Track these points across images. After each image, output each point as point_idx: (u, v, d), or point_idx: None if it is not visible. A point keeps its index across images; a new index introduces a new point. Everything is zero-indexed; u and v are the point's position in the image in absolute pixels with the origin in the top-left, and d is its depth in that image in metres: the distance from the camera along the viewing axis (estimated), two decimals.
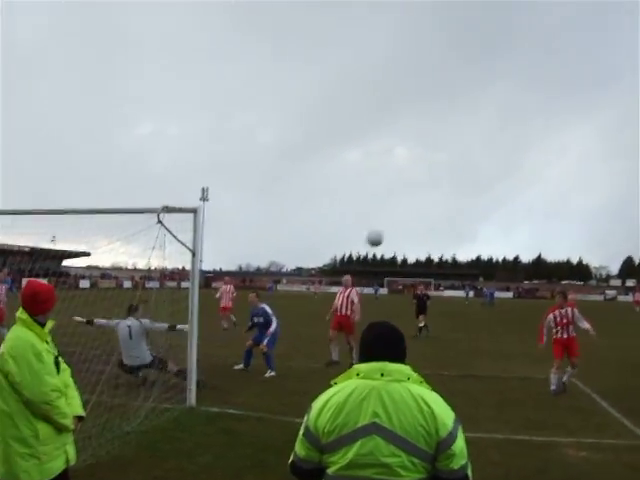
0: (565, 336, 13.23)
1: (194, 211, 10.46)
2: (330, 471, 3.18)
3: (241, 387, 12.54)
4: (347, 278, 17.29)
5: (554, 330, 13.33)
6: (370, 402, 3.12)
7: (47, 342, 4.83)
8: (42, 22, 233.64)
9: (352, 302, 16.31)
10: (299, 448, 3.32)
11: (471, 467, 3.14)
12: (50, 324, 4.97)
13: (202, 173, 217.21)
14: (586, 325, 13.39)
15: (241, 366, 14.83)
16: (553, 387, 12.93)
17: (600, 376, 15.14)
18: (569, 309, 13.46)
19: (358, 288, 17.93)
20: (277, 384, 13.10)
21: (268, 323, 14.78)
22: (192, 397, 10.51)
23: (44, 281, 5.25)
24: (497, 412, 10.96)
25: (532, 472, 7.64)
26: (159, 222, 9.30)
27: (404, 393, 3.10)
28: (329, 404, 3.21)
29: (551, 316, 13.40)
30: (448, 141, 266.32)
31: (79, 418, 4.95)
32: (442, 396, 3.20)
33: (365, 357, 3.30)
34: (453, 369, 15.90)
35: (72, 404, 4.86)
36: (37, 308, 4.81)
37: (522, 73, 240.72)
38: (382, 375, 3.17)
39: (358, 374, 3.24)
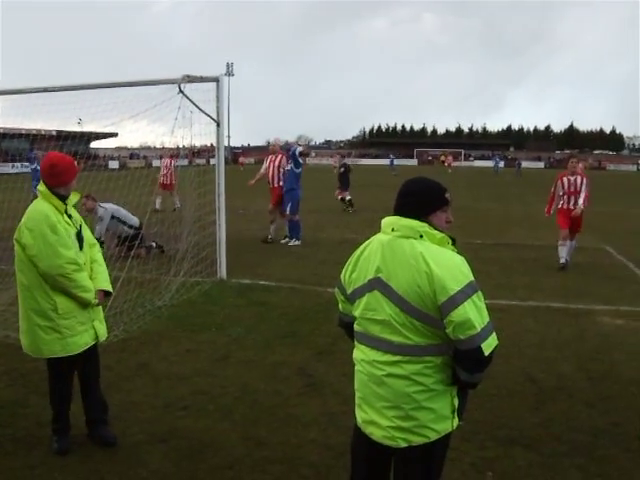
0: (572, 207, 12.19)
1: (216, 80, 10.02)
2: (354, 326, 3.18)
3: (272, 259, 12.54)
4: (273, 144, 15.75)
5: (561, 199, 12.41)
6: (377, 257, 3.00)
7: (68, 215, 4.69)
8: None
9: (284, 171, 14.93)
10: (338, 301, 3.36)
11: (494, 344, 2.82)
12: (75, 197, 4.83)
13: (225, 49, 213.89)
14: (581, 198, 12.19)
15: (287, 239, 14.57)
16: (562, 260, 12.05)
17: (635, 245, 14.85)
18: (579, 177, 12.41)
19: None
20: (308, 255, 13.05)
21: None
22: (222, 270, 10.51)
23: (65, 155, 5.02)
24: (531, 280, 10.83)
25: (568, 339, 7.53)
26: (180, 92, 8.91)
27: (408, 250, 2.89)
28: (352, 258, 3.21)
29: (559, 183, 12.46)
30: (477, 5, 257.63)
31: (106, 293, 4.88)
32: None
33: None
34: (485, 237, 15.74)
35: (97, 279, 4.78)
36: (55, 180, 4.65)
37: None
38: (392, 230, 2.99)
39: (381, 229, 3.11)
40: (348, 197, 22.07)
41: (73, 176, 4.75)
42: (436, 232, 2.95)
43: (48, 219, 4.51)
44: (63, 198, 4.67)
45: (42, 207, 4.61)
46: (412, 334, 2.87)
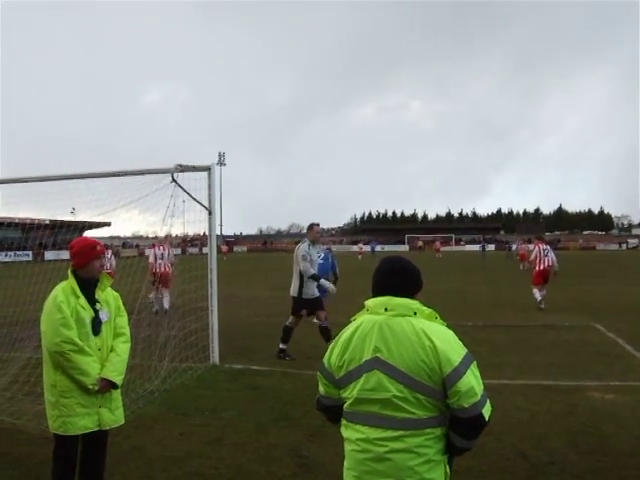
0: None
1: (208, 169, 10.34)
2: (345, 407, 3.21)
3: (265, 344, 12.53)
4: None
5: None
6: (373, 337, 3.10)
7: (92, 298, 4.83)
8: None
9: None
10: (320, 385, 3.38)
11: (490, 409, 3.02)
12: (107, 282, 5.00)
13: (217, 139, 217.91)
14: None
15: None
16: None
17: (624, 322, 15.05)
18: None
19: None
20: (302, 340, 13.02)
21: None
22: (215, 355, 10.54)
23: (94, 237, 5.23)
24: (522, 359, 10.88)
25: (558, 415, 7.57)
26: (173, 181, 9.18)
27: (407, 327, 3.04)
28: (340, 340, 3.26)
29: None
30: (462, 92, 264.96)
31: (111, 384, 4.78)
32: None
33: (374, 292, 3.27)
34: (476, 319, 15.85)
35: (106, 367, 4.77)
36: (73, 261, 4.89)
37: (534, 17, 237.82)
38: (386, 310, 3.13)
39: (368, 309, 3.23)
40: None
41: (87, 259, 4.85)
42: (425, 308, 3.15)
43: (56, 299, 4.68)
44: (85, 280, 4.84)
45: (57, 287, 4.83)
46: (415, 408, 2.98)
